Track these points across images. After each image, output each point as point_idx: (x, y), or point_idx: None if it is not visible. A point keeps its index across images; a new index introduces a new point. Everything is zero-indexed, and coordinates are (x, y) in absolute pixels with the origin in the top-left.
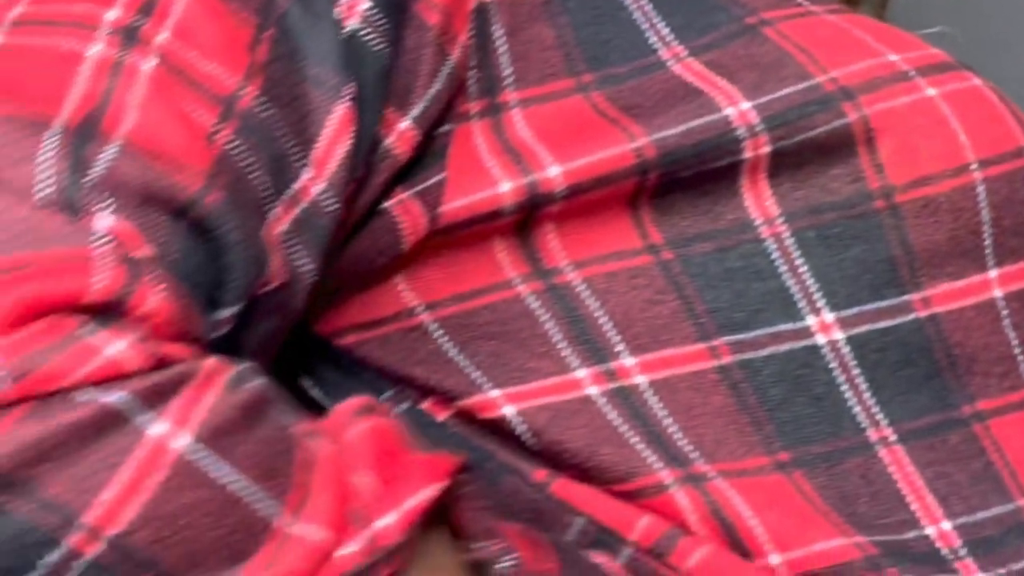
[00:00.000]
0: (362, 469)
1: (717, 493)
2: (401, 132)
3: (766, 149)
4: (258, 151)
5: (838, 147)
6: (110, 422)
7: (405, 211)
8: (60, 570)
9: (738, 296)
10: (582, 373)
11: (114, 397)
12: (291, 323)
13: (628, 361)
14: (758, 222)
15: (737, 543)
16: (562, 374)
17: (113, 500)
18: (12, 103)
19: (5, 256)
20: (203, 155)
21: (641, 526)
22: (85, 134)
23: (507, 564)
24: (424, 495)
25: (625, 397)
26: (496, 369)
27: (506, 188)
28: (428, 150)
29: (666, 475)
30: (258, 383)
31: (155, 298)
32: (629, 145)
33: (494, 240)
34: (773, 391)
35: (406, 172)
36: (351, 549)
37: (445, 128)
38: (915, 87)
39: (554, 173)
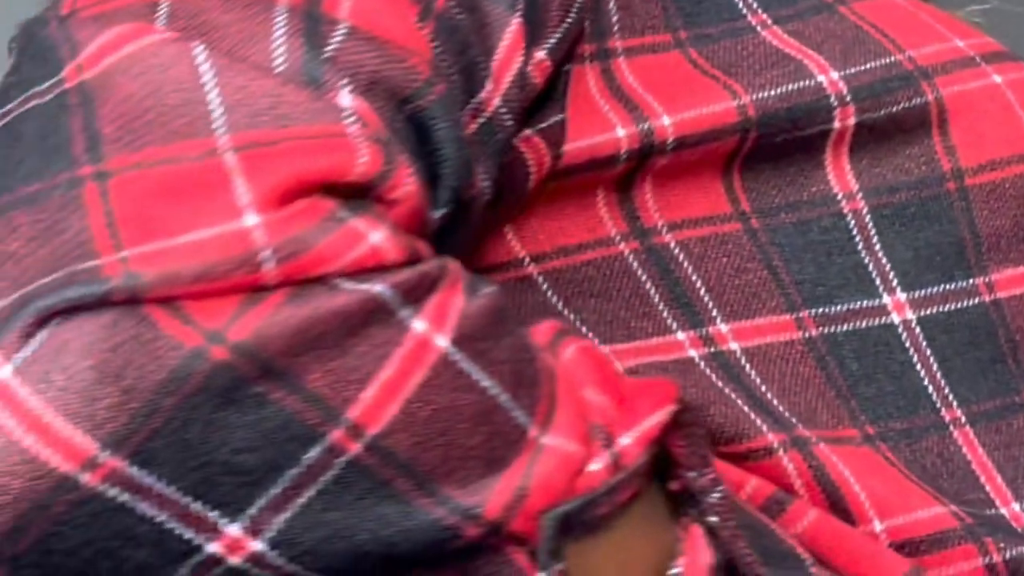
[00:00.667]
0: (588, 387)
1: (824, 457)
2: (538, 62)
3: (852, 120)
4: (454, 54)
5: (915, 126)
6: (376, 313)
7: (532, 148)
8: (322, 466)
9: (820, 269)
10: (681, 336)
11: (379, 288)
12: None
13: (723, 327)
14: (839, 196)
15: (841, 508)
16: (664, 335)
17: (376, 397)
18: None
19: (260, 130)
20: (424, 46)
21: (750, 488)
22: (311, 14)
23: (718, 496)
24: (660, 416)
25: (723, 362)
26: (601, 326)
27: (622, 133)
28: (550, 88)
29: (773, 438)
30: (492, 289)
31: (408, 184)
32: (733, 102)
33: (598, 193)
34: (855, 366)
35: (530, 110)
36: (597, 466)
37: (565, 67)
38: (983, 73)
39: (667, 123)
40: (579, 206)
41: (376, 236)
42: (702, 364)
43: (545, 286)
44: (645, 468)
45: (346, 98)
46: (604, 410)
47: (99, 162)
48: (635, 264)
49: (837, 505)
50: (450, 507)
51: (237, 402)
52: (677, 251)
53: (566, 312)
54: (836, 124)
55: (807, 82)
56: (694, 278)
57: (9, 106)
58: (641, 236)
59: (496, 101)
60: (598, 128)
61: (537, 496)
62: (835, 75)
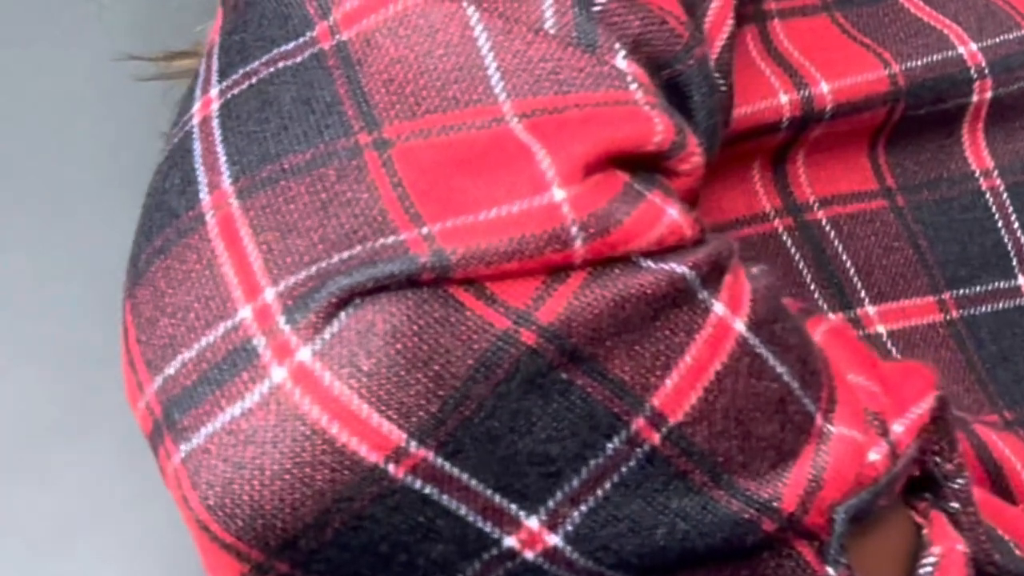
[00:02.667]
0: (850, 371)
1: (984, 435)
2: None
3: (989, 94)
4: (689, 14)
5: None
6: (680, 294)
7: None
8: (623, 457)
9: (962, 249)
10: (832, 318)
11: (681, 268)
12: None
13: (870, 309)
14: (977, 173)
15: (1003, 486)
16: None
17: (678, 384)
18: None
19: (544, 96)
20: (677, 6)
21: None
22: None
23: (962, 482)
24: (928, 403)
25: (872, 345)
26: None
27: (785, 100)
28: None
29: None
30: (763, 268)
31: (697, 155)
32: (884, 71)
33: (754, 166)
34: (993, 348)
35: None
36: (876, 456)
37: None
38: None
39: (826, 90)
40: (736, 179)
41: (673, 211)
42: None
43: None
44: (915, 456)
45: (622, 62)
46: (874, 396)
47: (376, 129)
48: (789, 242)
49: (999, 484)
50: (746, 500)
51: (543, 389)
52: (828, 229)
53: None
54: (975, 97)
55: (950, 52)
56: (844, 257)
57: (251, 66)
58: (795, 212)
59: (711, 65)
60: (762, 93)
61: (830, 488)
62: (974, 46)
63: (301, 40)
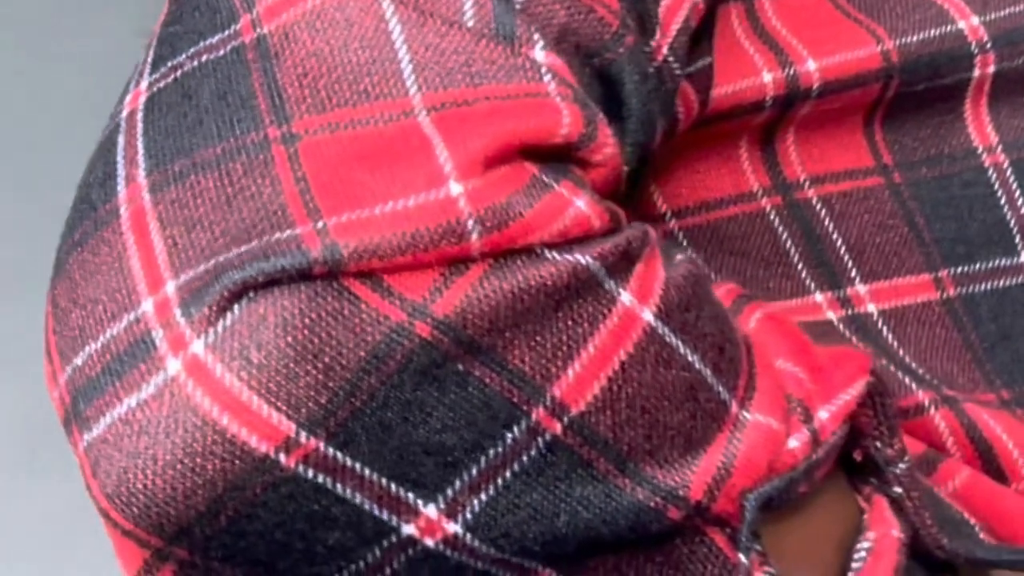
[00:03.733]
0: (780, 357)
1: (974, 414)
2: (694, 4)
3: (992, 69)
4: (632, 1)
5: None
6: (583, 285)
7: (681, 95)
8: (523, 446)
9: (962, 227)
10: (819, 298)
11: (585, 258)
12: None
13: (861, 288)
14: (980, 149)
15: (994, 466)
16: (802, 296)
17: (580, 374)
18: None
19: (455, 89)
20: None
21: None
22: None
23: (904, 467)
24: (856, 389)
25: (860, 324)
26: (741, 286)
27: (768, 79)
28: (699, 30)
29: (923, 396)
30: (687, 255)
31: (609, 145)
32: (876, 47)
33: (741, 144)
34: (992, 327)
35: None
36: (796, 442)
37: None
38: None
39: (812, 68)
40: (722, 157)
41: (580, 202)
42: (840, 326)
43: (685, 243)
44: (841, 442)
45: (540, 53)
46: (800, 382)
47: (285, 123)
48: (776, 221)
49: (990, 463)
50: (652, 488)
51: (439, 381)
52: (819, 207)
53: (705, 271)
54: (976, 72)
55: (949, 27)
56: (835, 236)
57: (178, 59)
58: (784, 191)
59: (665, 50)
60: (744, 72)
61: (740, 476)
62: (975, 20)
63: (226, 33)
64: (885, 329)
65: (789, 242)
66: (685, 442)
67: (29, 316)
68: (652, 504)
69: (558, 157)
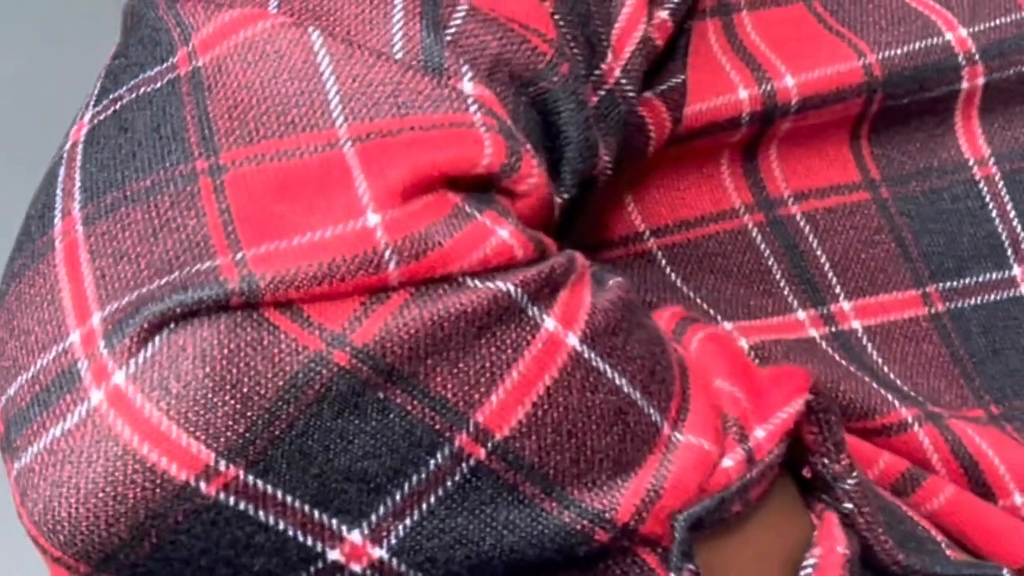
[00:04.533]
0: (719, 377)
1: (959, 430)
2: (660, 22)
3: (981, 80)
4: (575, 27)
5: None
6: (505, 312)
7: (652, 111)
8: (446, 472)
9: (951, 241)
10: (802, 315)
11: (507, 286)
12: (575, 229)
13: (845, 305)
14: (971, 162)
15: (980, 482)
16: (784, 314)
17: (504, 400)
18: None
19: (380, 120)
20: (546, 22)
21: (882, 464)
22: None
23: (852, 482)
24: (794, 407)
25: (844, 342)
26: (720, 304)
27: (744, 96)
28: (671, 47)
29: (906, 413)
30: (618, 280)
31: (533, 176)
32: (858, 62)
33: (722, 161)
34: (982, 341)
35: (650, 71)
36: (730, 462)
37: (687, 24)
38: None
39: (790, 84)
40: (702, 174)
41: (503, 232)
42: (823, 344)
43: (664, 262)
44: (778, 461)
45: (468, 85)
46: (736, 402)
47: (213, 155)
48: (759, 239)
49: (976, 480)
50: (579, 511)
51: (359, 408)
52: (803, 224)
53: (684, 289)
54: (964, 84)
55: (935, 40)
56: (819, 253)
57: (119, 91)
58: (766, 208)
59: (617, 72)
60: (719, 89)
61: (670, 497)
62: (963, 32)
63: (163, 66)
64: (870, 346)
65: (772, 259)
66: (614, 465)
67: None
68: (579, 527)
69: (482, 187)
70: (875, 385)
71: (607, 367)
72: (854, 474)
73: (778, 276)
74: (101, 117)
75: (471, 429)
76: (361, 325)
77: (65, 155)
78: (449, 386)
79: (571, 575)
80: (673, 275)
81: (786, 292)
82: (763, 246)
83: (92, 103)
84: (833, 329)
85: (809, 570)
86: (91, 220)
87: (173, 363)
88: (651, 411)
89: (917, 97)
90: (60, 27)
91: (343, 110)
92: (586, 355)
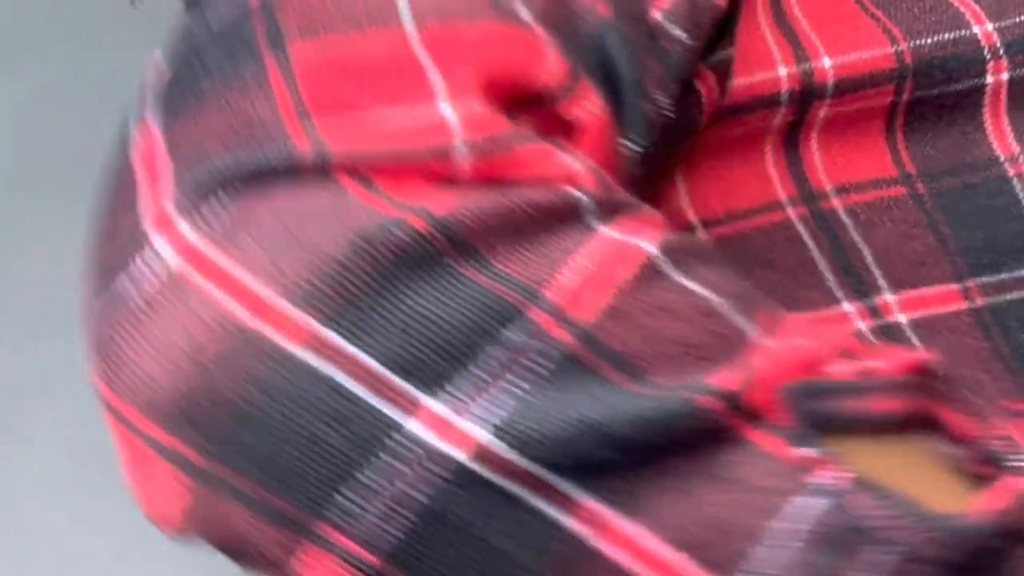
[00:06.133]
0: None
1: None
2: None
3: (1005, 75)
4: None
5: None
6: (570, 214)
7: (704, 83)
8: (526, 348)
9: (988, 236)
10: (849, 307)
11: (578, 194)
12: None
13: (889, 297)
14: (1002, 159)
15: None
16: (831, 306)
17: (577, 284)
18: None
19: (449, 21)
20: None
21: None
22: None
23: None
24: (921, 355)
25: (890, 335)
26: (769, 296)
27: (783, 73)
28: (726, 17)
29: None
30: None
31: (591, 102)
32: (891, 48)
33: (766, 149)
34: (1021, 336)
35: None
36: (841, 367)
37: None
38: None
39: (827, 64)
40: (747, 161)
41: (568, 159)
42: (871, 336)
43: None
44: (916, 405)
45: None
46: (845, 340)
47: (281, 50)
48: (804, 232)
49: None
50: (674, 389)
51: (434, 276)
52: (845, 218)
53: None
54: (989, 79)
55: (963, 32)
56: (861, 246)
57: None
58: (810, 201)
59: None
60: (761, 64)
61: (771, 371)
62: (989, 26)
63: None
64: (915, 338)
65: (816, 252)
66: (702, 356)
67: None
68: (685, 398)
69: (542, 104)
70: None
71: (686, 279)
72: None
73: (823, 269)
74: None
75: (544, 305)
76: (435, 200)
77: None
78: (516, 267)
79: (683, 466)
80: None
81: (832, 284)
82: (808, 240)
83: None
84: (879, 322)
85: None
86: (168, 124)
87: (247, 222)
88: (738, 319)
89: (946, 89)
90: (90, 39)
91: (411, 10)
92: (662, 263)
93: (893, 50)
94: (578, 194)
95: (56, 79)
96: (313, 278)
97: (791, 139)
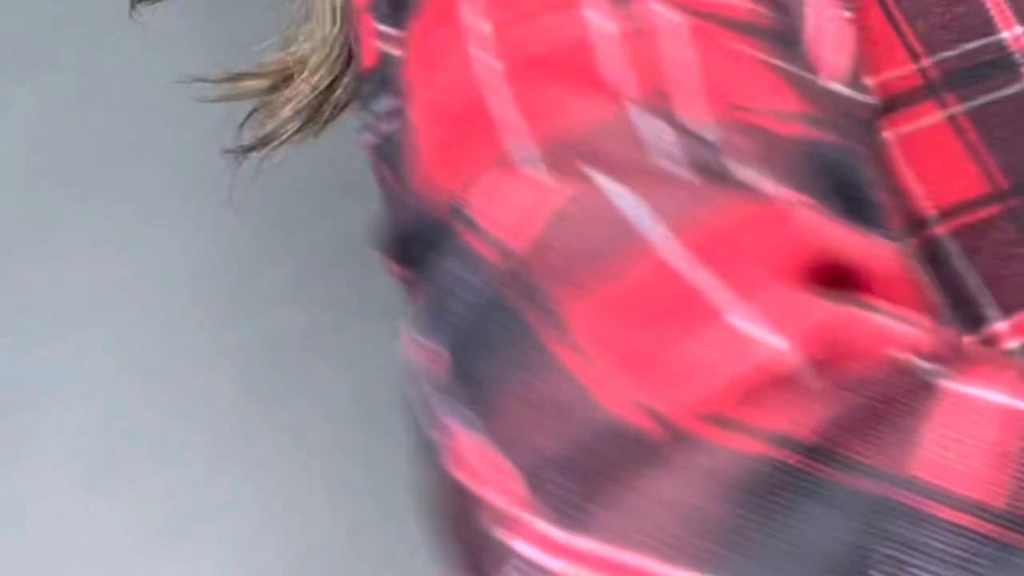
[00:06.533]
0: None
1: None
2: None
3: None
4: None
5: None
6: (919, 387)
7: None
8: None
9: None
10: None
11: (920, 363)
12: None
13: (1001, 326)
14: None
15: None
16: None
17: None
18: None
19: (702, 221)
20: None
21: None
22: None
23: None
24: None
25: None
26: None
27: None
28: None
29: None
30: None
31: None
32: (913, 65)
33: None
34: None
35: None
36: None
37: None
38: None
39: (871, 84)
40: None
41: (891, 323)
42: None
43: None
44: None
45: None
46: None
47: (551, 315)
48: (918, 263)
49: None
50: None
51: (808, 494)
52: (948, 244)
53: None
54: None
55: (991, 39)
56: (966, 274)
57: None
58: (916, 229)
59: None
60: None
61: None
62: (1019, 30)
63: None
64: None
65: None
66: None
67: (94, 340)
68: None
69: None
70: None
71: None
72: None
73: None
74: None
75: (913, 487)
76: (788, 419)
77: None
78: (882, 457)
79: None
80: None
81: (947, 319)
82: (923, 271)
83: None
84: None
85: None
86: (476, 423)
87: (619, 506)
88: None
89: (997, 95)
90: (115, 45)
91: (657, 227)
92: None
93: (916, 67)
94: (921, 362)
95: (71, 85)
96: (699, 539)
97: (884, 170)
